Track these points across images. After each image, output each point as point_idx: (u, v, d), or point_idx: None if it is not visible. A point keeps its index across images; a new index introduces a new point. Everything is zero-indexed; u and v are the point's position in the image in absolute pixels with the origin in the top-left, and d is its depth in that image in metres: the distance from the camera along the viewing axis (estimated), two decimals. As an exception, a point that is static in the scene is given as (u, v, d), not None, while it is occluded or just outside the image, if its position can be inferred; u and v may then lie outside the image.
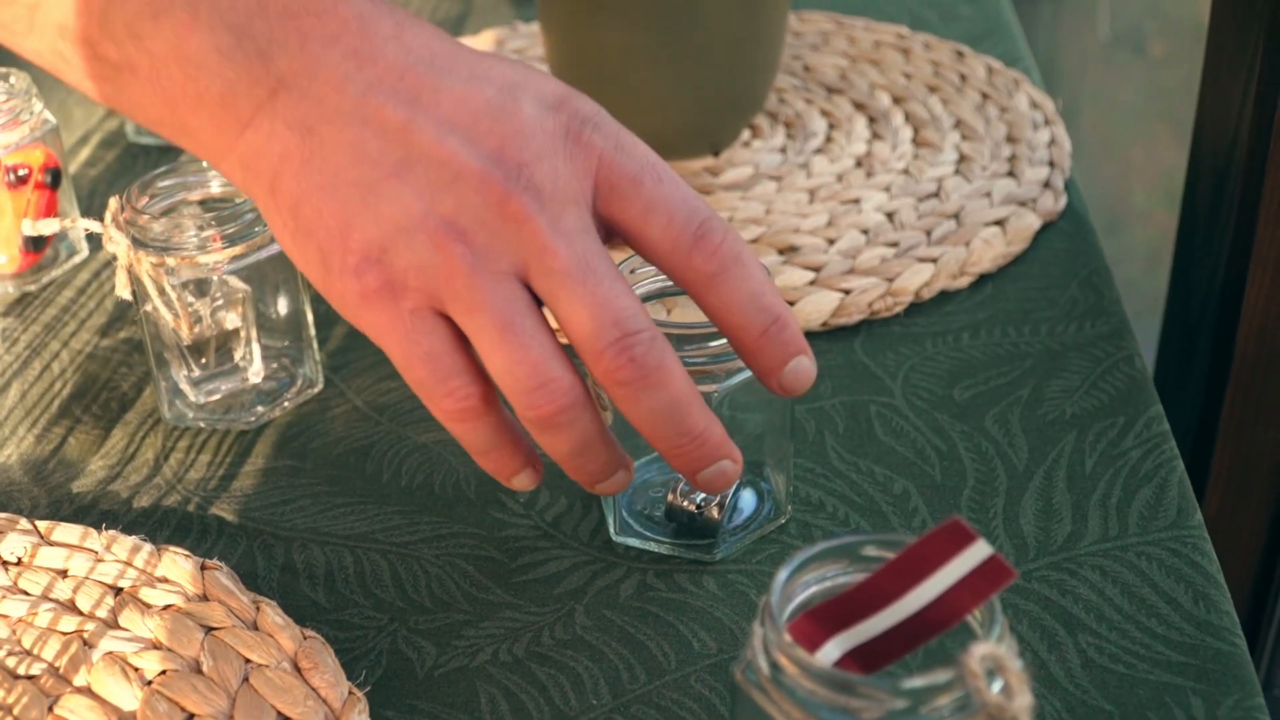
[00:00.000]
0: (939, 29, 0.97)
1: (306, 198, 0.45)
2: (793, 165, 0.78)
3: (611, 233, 0.47)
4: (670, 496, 0.54)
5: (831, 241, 0.71)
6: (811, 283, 0.68)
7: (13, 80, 0.73)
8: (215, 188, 0.62)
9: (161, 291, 0.59)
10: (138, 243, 0.58)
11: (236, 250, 0.59)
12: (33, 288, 0.73)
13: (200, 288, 0.60)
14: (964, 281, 0.69)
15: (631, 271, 0.51)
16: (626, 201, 0.45)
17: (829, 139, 0.81)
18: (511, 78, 0.45)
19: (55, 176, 0.73)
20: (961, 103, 0.84)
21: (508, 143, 0.44)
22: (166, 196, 0.61)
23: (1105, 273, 0.71)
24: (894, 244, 0.71)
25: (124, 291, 0.60)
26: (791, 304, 0.66)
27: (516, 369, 0.44)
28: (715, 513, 0.54)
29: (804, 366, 0.47)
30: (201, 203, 0.62)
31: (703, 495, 0.54)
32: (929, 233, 0.72)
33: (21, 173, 0.72)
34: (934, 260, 0.69)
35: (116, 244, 0.59)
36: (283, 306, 0.63)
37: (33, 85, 0.73)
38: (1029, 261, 0.71)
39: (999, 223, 0.72)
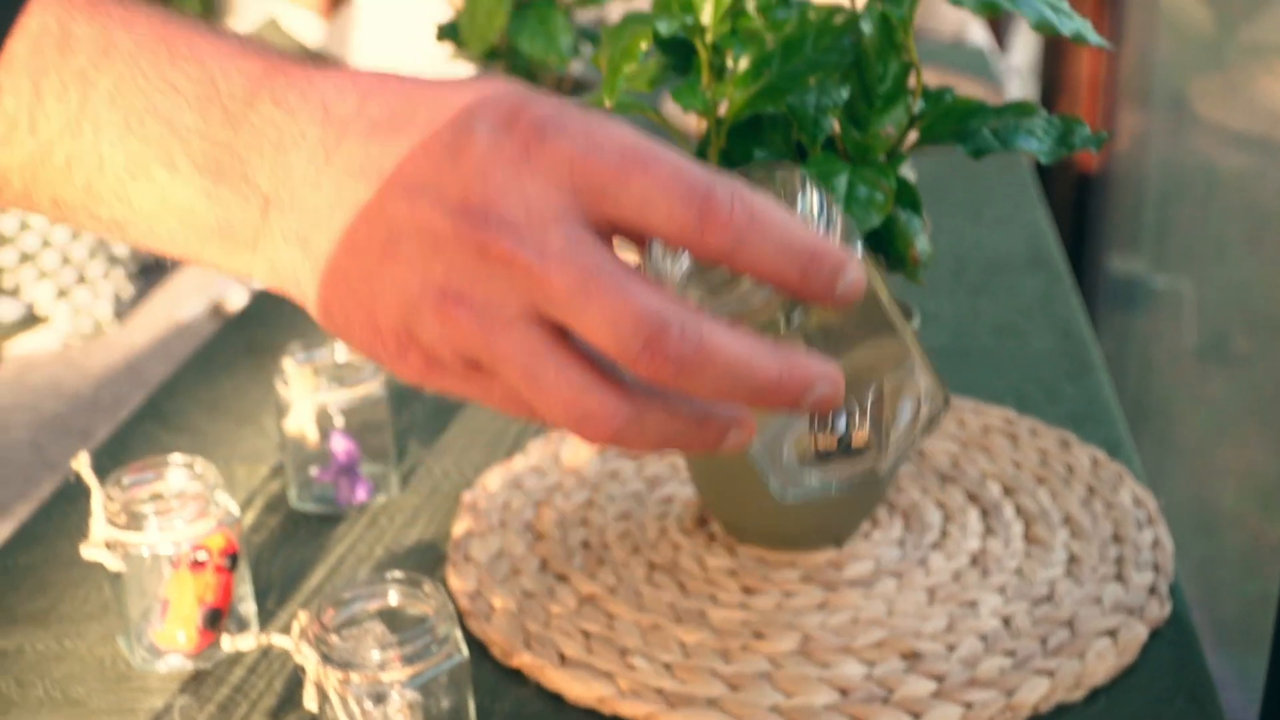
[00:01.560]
0: (1043, 408, 1.03)
1: (330, 303, 0.46)
2: (911, 562, 0.83)
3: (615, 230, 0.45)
4: (811, 439, 0.51)
5: (951, 648, 0.76)
6: (934, 694, 0.72)
7: (198, 469, 0.81)
8: (392, 599, 0.68)
9: (344, 703, 0.64)
10: (325, 658, 0.64)
11: (414, 669, 0.65)
12: (207, 665, 0.79)
13: (378, 696, 0.66)
14: (1079, 695, 0.73)
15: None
16: (616, 201, 0.43)
17: (944, 533, 0.86)
18: (465, 106, 0.44)
19: (234, 560, 0.80)
20: (1069, 496, 0.89)
21: (470, 186, 0.43)
22: (348, 606, 0.68)
23: (1209, 684, 0.74)
24: (1011, 652, 0.75)
25: (311, 704, 0.66)
26: (916, 717, 0.71)
27: (555, 410, 0.44)
28: (862, 436, 0.50)
29: (852, 281, 0.45)
30: (379, 612, 0.68)
31: (840, 423, 0.50)
32: (1044, 641, 0.76)
33: (201, 556, 0.79)
34: (1050, 673, 0.73)
35: (306, 659, 0.65)
36: (445, 702, 0.69)
37: (218, 476, 0.80)
38: (1138, 672, 0.75)
39: (1110, 633, 0.77)
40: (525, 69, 1.32)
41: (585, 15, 1.42)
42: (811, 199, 0.47)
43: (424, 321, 0.44)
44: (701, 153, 0.75)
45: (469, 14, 1.23)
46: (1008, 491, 0.91)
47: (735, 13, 0.75)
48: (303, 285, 0.47)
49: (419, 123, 0.44)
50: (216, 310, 2.96)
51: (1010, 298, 1.24)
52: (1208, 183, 2.04)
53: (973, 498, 0.90)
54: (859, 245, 0.47)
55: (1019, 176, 1.61)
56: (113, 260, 3.03)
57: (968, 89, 1.95)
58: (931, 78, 1.98)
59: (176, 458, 0.81)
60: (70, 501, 0.94)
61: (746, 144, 0.74)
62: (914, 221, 0.75)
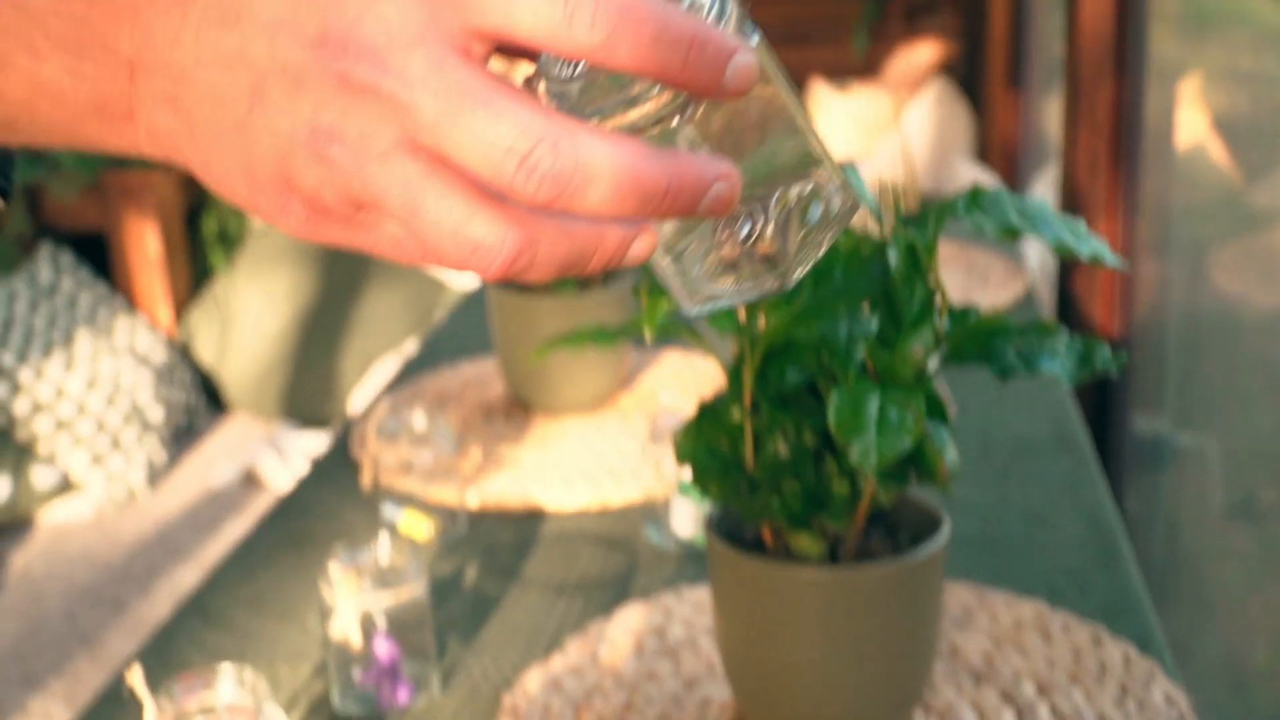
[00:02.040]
0: (1074, 600, 1.04)
1: (209, 161, 0.45)
2: (949, 766, 0.84)
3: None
4: (714, 246, 0.49)
5: None
6: None
7: (247, 679, 0.83)
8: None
9: None
10: None
11: None
12: None
13: None
14: None
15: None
16: (479, 11, 0.42)
17: (980, 735, 0.87)
18: None
19: (282, 772, 0.81)
20: (1102, 697, 0.90)
21: (328, 16, 0.42)
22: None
23: None
24: None
25: None
26: None
27: (442, 244, 0.42)
28: (767, 244, 0.49)
29: (741, 67, 0.43)
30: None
31: (744, 230, 0.49)
32: None
33: (252, 767, 0.80)
34: None
35: None
36: None
37: (267, 686, 0.82)
38: None
39: (1148, 841, 0.77)
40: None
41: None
42: None
43: (300, 166, 0.43)
44: (736, 372, 0.78)
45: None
46: (1042, 691, 0.92)
47: (766, 237, 0.78)
48: (182, 149, 0.45)
49: None
50: (249, 477, 2.99)
51: (1037, 483, 1.26)
52: (1229, 333, 2.07)
53: (1007, 698, 0.91)
54: (754, 36, 0.45)
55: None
56: (146, 426, 3.07)
57: (985, 262, 1.98)
58: (952, 252, 2.00)
59: (226, 667, 0.83)
60: (118, 704, 0.96)
61: (780, 365, 0.77)
62: (942, 434, 0.78)
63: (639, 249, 0.45)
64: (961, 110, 3.54)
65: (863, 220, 0.89)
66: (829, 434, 0.79)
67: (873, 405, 0.73)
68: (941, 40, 3.57)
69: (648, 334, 0.72)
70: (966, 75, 3.59)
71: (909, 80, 3.61)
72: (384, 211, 0.43)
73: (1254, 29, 1.89)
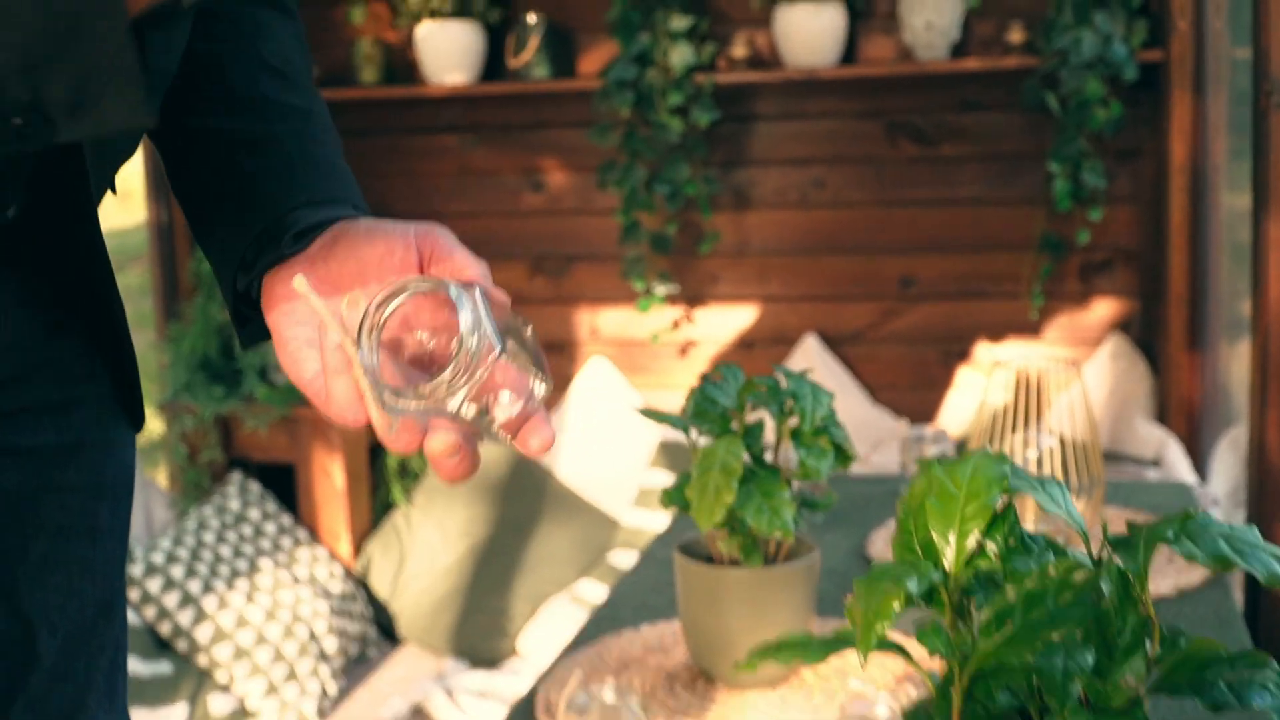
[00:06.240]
0: None
1: None
2: None
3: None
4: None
5: None
6: None
7: None
8: None
9: None
10: None
11: None
12: None
13: None
14: None
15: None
16: None
17: None
18: None
19: None
20: None
21: None
22: None
23: None
24: None
25: None
26: None
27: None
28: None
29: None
30: None
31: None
32: None
33: None
34: None
35: None
36: None
37: None
38: None
39: None
40: (748, 535, 1.38)
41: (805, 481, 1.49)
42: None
43: None
44: (944, 691, 0.79)
45: (699, 490, 1.30)
46: None
47: (975, 555, 0.80)
48: None
49: None
50: (418, 711, 3.02)
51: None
52: None
53: None
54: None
55: (1233, 631, 1.60)
56: (322, 657, 3.13)
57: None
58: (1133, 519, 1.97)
59: None
60: None
61: (989, 687, 0.78)
62: (1152, 759, 0.78)
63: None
64: (1139, 368, 3.51)
65: (1072, 540, 0.90)
66: (1037, 758, 0.79)
67: (1086, 737, 0.73)
68: (1117, 298, 3.57)
69: (862, 658, 0.73)
70: (1143, 334, 3.57)
71: (1084, 338, 3.61)
72: None
73: None
